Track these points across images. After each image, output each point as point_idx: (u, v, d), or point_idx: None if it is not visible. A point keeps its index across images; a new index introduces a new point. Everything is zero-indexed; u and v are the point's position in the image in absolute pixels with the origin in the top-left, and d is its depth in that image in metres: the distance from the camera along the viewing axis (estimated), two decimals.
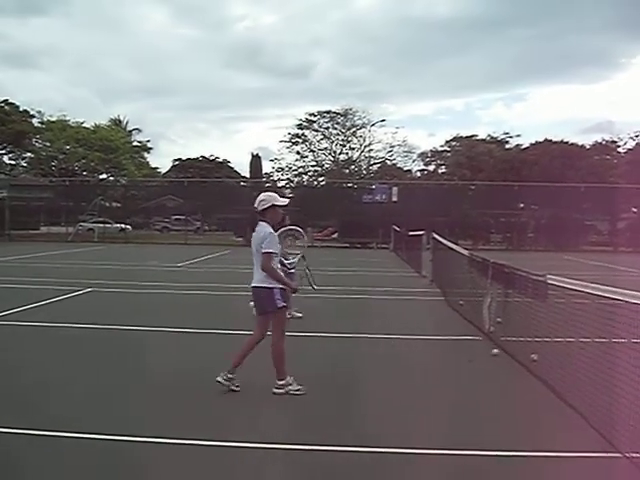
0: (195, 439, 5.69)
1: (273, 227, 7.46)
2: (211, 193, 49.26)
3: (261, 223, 7.35)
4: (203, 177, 59.60)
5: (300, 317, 11.89)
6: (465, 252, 13.33)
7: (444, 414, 6.79)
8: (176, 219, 52.06)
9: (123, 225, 45.90)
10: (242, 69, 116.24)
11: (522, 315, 8.90)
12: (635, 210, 46.32)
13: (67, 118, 52.16)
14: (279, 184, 63.43)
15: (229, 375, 7.35)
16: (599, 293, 6.11)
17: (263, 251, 7.17)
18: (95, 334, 10.60)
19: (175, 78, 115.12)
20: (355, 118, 65.35)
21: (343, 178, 59.54)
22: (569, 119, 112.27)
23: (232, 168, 73.70)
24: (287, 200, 7.77)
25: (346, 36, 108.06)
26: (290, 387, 7.35)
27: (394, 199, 42.03)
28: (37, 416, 6.34)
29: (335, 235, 43.77)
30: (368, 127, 64.93)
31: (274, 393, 7.27)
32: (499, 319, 10.17)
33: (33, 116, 49.99)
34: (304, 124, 66.18)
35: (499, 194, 44.30)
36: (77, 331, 10.80)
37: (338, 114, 65.36)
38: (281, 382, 7.36)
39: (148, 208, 54.10)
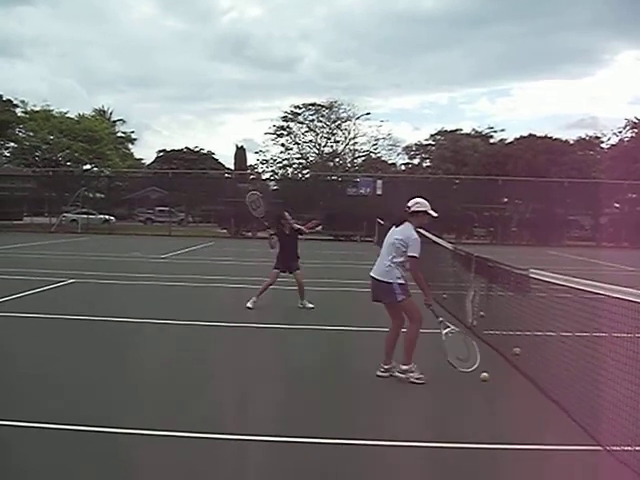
0: (182, 431, 5.69)
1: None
2: (195, 185, 49.16)
3: (407, 223, 7.63)
4: (187, 169, 59.41)
5: (312, 308, 12.34)
6: (449, 246, 13.35)
7: (426, 408, 6.84)
8: (160, 210, 51.79)
9: (107, 216, 45.64)
10: (228, 61, 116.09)
11: (505, 309, 8.95)
12: (618, 205, 46.59)
13: (51, 108, 51.75)
14: (264, 176, 63.44)
15: (385, 367, 7.68)
16: (581, 287, 6.14)
17: (410, 254, 7.45)
18: (78, 325, 10.56)
19: (160, 69, 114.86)
20: (340, 111, 65.35)
21: (328, 171, 59.48)
22: (553, 115, 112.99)
23: (217, 160, 73.46)
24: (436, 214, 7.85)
25: (332, 30, 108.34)
26: (412, 374, 7.50)
27: (378, 192, 42.00)
28: (21, 407, 6.32)
29: (319, 228, 43.80)
30: (353, 120, 65.07)
31: (393, 376, 7.56)
32: (482, 313, 10.21)
33: (17, 106, 49.50)
34: (289, 116, 66.06)
35: (483, 188, 44.47)
36: (60, 322, 10.77)
37: (323, 107, 65.27)
38: (405, 367, 7.53)
39: (132, 199, 53.90)
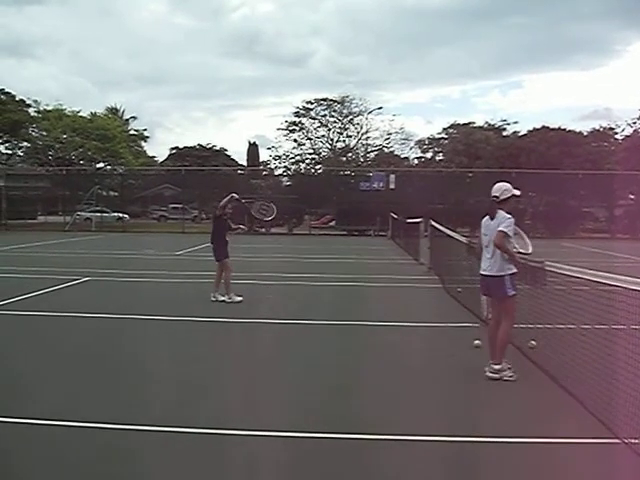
0: (196, 427, 5.71)
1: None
2: (208, 181, 49.08)
3: (500, 211, 7.49)
4: (200, 165, 59.34)
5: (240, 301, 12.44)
6: (463, 239, 13.30)
7: (442, 400, 6.81)
8: (173, 208, 51.82)
9: (120, 214, 45.83)
10: (239, 57, 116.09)
11: (520, 302, 8.90)
12: (632, 197, 46.29)
13: (63, 107, 51.94)
14: (276, 172, 63.41)
15: (495, 367, 7.47)
16: (597, 280, 6.10)
17: (499, 229, 7.32)
18: (92, 323, 10.62)
19: (171, 66, 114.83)
20: (352, 106, 65.06)
21: (340, 166, 59.43)
22: (566, 106, 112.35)
23: (229, 156, 73.33)
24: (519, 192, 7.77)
25: (343, 25, 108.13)
26: (504, 373, 7.44)
27: (392, 187, 41.95)
28: (31, 405, 6.35)
29: (332, 223, 43.85)
30: (365, 115, 64.88)
31: (488, 377, 7.41)
32: None
33: (29, 105, 49.64)
34: (301, 112, 65.86)
35: (496, 181, 44.14)
36: (74, 320, 10.82)
37: (335, 102, 65.05)
38: (497, 367, 7.45)
39: (145, 197, 53.98)
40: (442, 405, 6.67)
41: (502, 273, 7.40)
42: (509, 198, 7.56)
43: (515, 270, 7.44)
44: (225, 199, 12.66)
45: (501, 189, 7.60)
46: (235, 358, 8.65)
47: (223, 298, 12.49)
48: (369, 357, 8.60)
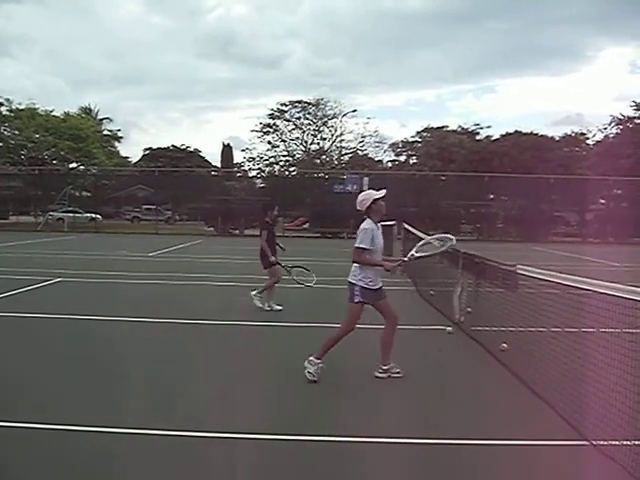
0: (165, 429, 5.70)
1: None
2: (182, 183, 48.95)
3: (367, 220, 7.60)
4: (174, 166, 59.18)
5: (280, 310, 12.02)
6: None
7: (413, 404, 6.86)
8: (147, 209, 51.58)
9: (93, 215, 45.48)
10: (214, 59, 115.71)
11: (492, 305, 8.99)
12: (603, 202, 46.82)
13: (36, 106, 51.53)
14: (250, 174, 63.32)
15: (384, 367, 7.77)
16: (568, 283, 6.18)
17: (354, 246, 7.47)
18: (64, 324, 10.55)
19: (147, 67, 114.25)
20: (327, 108, 65.31)
21: (314, 168, 59.57)
22: (539, 111, 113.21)
23: (203, 158, 73.18)
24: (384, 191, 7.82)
25: (319, 27, 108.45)
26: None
27: (365, 189, 41.99)
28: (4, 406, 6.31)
29: (306, 225, 43.85)
30: (340, 117, 65.11)
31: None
32: (469, 309, 10.26)
33: (1, 104, 49.13)
34: (276, 114, 65.95)
35: (469, 185, 44.60)
36: (45, 321, 10.74)
37: (310, 104, 65.19)
38: (317, 360, 7.59)
39: (118, 197, 53.62)
40: (412, 408, 6.72)
41: (353, 281, 7.54)
42: (370, 205, 7.59)
43: (366, 286, 7.51)
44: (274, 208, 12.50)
45: (360, 201, 7.67)
46: (212, 359, 8.64)
47: (260, 305, 12.11)
48: (342, 359, 8.61)
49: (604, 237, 40.08)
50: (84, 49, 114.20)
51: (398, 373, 7.70)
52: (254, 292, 12.27)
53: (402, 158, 73.02)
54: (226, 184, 48.98)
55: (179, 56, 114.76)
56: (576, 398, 5.84)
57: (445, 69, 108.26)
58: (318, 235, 40.18)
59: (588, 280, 5.71)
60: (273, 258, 11.97)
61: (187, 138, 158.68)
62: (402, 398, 7.05)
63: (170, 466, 5.07)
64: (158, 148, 73.73)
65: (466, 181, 45.51)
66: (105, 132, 62.85)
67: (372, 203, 7.57)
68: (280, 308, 12.07)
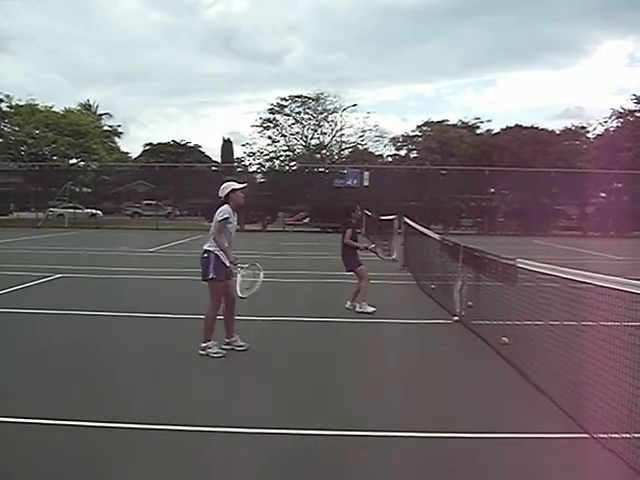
0: (171, 424, 5.71)
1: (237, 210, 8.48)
2: (182, 178, 48.92)
3: (224, 206, 8.29)
4: (174, 162, 59.17)
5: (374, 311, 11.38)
6: (436, 236, 13.40)
7: (414, 398, 6.86)
8: (147, 204, 51.57)
9: (94, 210, 45.45)
10: (214, 54, 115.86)
11: (493, 299, 8.99)
12: (604, 195, 46.84)
13: (36, 102, 51.46)
14: (250, 169, 63.28)
15: (202, 345, 8.25)
16: (568, 276, 6.18)
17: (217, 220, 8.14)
18: (63, 320, 10.55)
19: (147, 63, 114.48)
20: (327, 103, 65.05)
21: (315, 163, 59.41)
22: (539, 105, 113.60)
23: (203, 153, 73.22)
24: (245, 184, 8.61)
25: (320, 23, 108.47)
26: (210, 350, 8.16)
27: (366, 184, 42.02)
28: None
29: (306, 220, 43.83)
30: (340, 112, 64.94)
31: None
32: (470, 303, 10.26)
33: (1, 100, 49.18)
34: (276, 109, 65.74)
35: (470, 179, 44.58)
36: (45, 317, 10.73)
37: (310, 99, 65.01)
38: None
39: (119, 193, 53.67)
40: (414, 402, 6.72)
41: (210, 249, 8.19)
42: (229, 194, 8.30)
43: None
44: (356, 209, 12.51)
45: (222, 188, 8.42)
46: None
47: (371, 310, 11.38)
48: (344, 354, 8.63)
49: (605, 230, 40.07)
50: (83, 45, 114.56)
51: (216, 354, 8.14)
52: (350, 305, 11.70)
53: (402, 152, 73.10)
54: (226, 179, 48.92)
55: (178, 52, 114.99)
56: (576, 391, 5.85)
57: (445, 63, 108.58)
58: (319, 230, 40.14)
59: (588, 273, 5.71)
60: (363, 245, 12.59)
61: (187, 133, 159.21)
62: (404, 392, 7.05)
63: (166, 462, 5.08)
64: (158, 143, 73.65)
65: (467, 175, 45.50)
66: (105, 128, 62.74)
67: (231, 192, 8.29)
68: (373, 309, 11.41)
